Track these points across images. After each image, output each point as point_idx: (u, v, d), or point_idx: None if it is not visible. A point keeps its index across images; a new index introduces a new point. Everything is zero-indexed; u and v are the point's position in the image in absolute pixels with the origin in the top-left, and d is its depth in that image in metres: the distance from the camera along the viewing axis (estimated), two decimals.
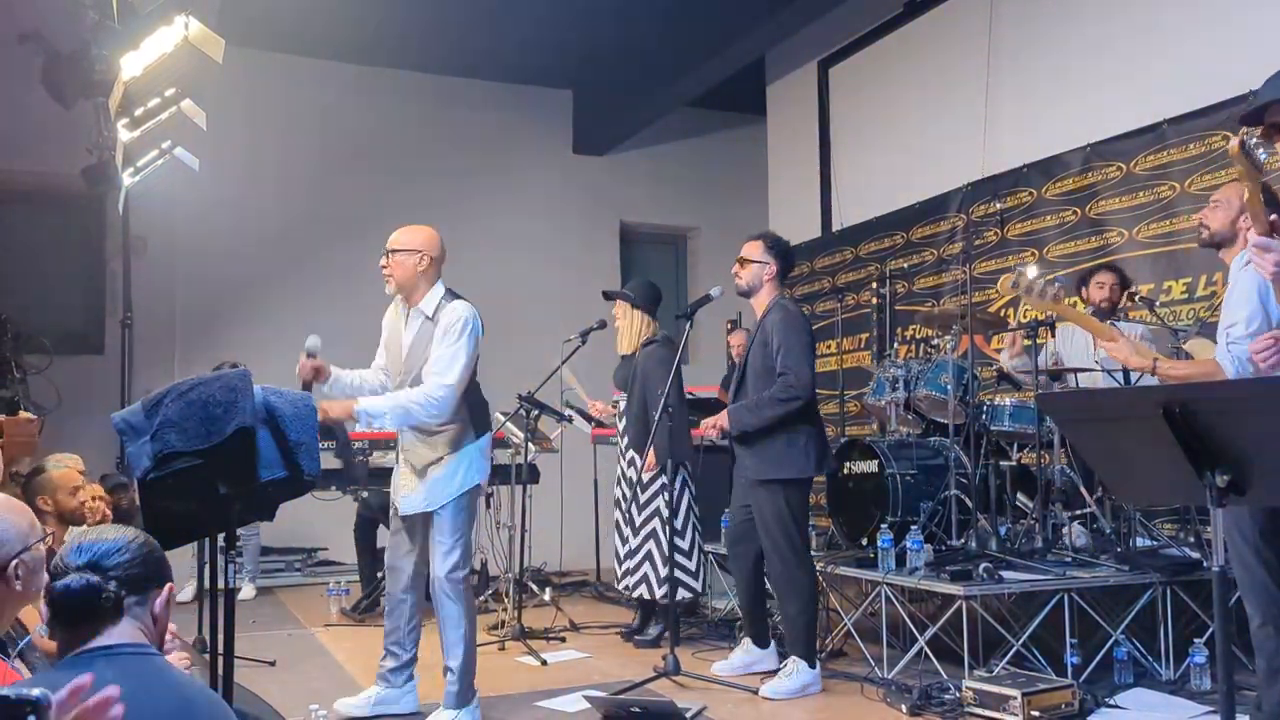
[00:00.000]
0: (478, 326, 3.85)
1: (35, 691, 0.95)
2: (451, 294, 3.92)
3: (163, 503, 2.37)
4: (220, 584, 2.51)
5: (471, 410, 3.88)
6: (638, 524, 5.27)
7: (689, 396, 5.70)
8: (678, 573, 5.14)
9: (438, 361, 3.74)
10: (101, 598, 1.72)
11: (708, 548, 5.77)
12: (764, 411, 4.26)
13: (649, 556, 5.22)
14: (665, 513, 5.17)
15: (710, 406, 5.55)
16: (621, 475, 5.44)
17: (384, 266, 3.89)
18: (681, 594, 5.23)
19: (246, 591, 6.93)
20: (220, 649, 2.46)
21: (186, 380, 2.43)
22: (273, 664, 4.82)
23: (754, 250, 4.47)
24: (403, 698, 4.04)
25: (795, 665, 4.25)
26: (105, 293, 8.12)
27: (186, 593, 6.86)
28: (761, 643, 4.62)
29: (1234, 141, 2.30)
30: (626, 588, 5.39)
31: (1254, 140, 2.31)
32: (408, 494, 3.87)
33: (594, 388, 6.17)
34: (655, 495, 5.21)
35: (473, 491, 3.89)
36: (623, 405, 5.45)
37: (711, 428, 4.44)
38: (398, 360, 3.94)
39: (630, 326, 5.38)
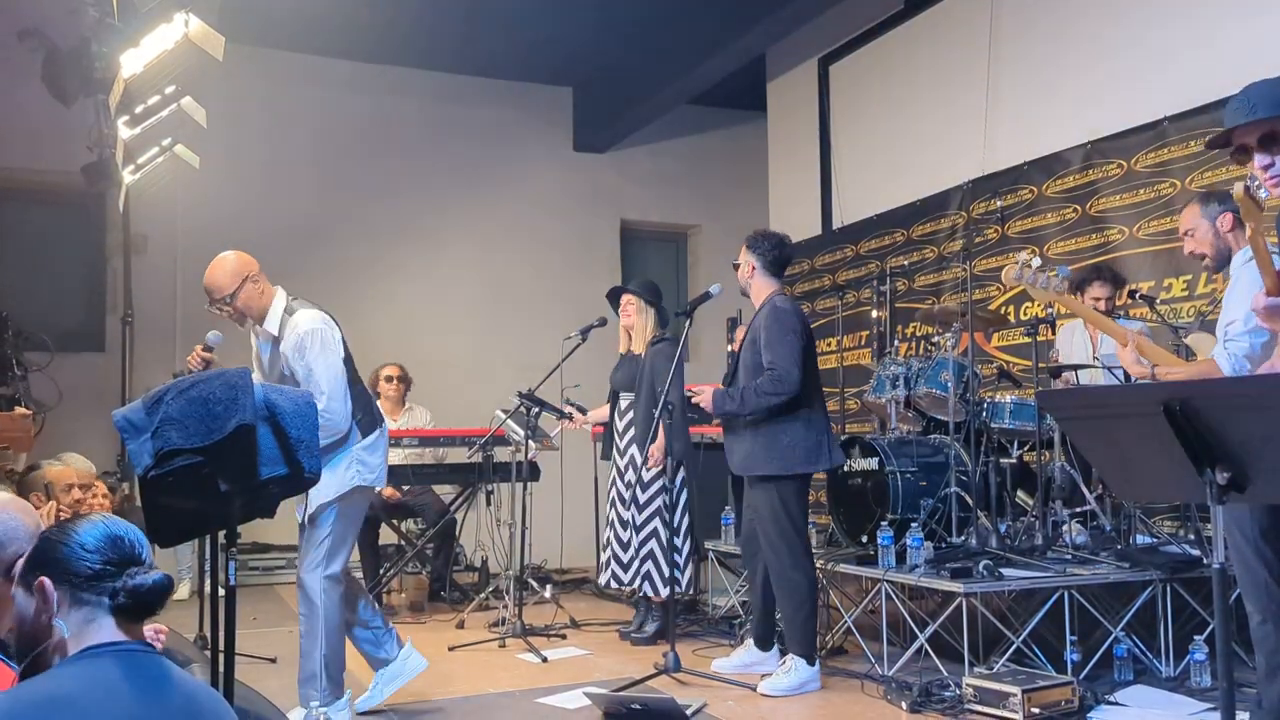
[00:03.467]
0: (328, 334, 3.71)
1: None
2: (291, 307, 3.78)
3: (164, 500, 2.37)
4: (221, 581, 2.51)
5: (353, 409, 3.76)
6: (638, 522, 5.28)
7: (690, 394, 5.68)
8: (676, 571, 5.15)
9: (308, 384, 3.62)
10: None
11: (708, 545, 5.78)
12: (747, 401, 4.28)
13: (651, 555, 5.23)
14: (665, 512, 5.19)
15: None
16: (619, 474, 5.45)
17: (230, 315, 3.74)
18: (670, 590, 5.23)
19: (182, 591, 6.83)
20: (221, 646, 2.46)
21: (187, 377, 2.43)
22: (273, 661, 4.82)
23: (740, 251, 4.58)
24: (407, 661, 3.98)
25: (794, 663, 4.25)
26: (106, 290, 8.13)
27: (182, 590, 6.88)
28: (764, 645, 4.61)
29: (1238, 186, 2.34)
30: (617, 582, 5.40)
31: (1256, 182, 2.35)
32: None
33: (592, 387, 6.17)
34: (657, 494, 5.23)
35: (354, 492, 3.74)
36: (625, 405, 5.46)
37: (695, 398, 4.44)
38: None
39: (644, 325, 5.41)
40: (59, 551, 1.71)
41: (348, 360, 3.83)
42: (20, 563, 1.82)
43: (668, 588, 5.16)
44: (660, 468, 5.17)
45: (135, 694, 1.60)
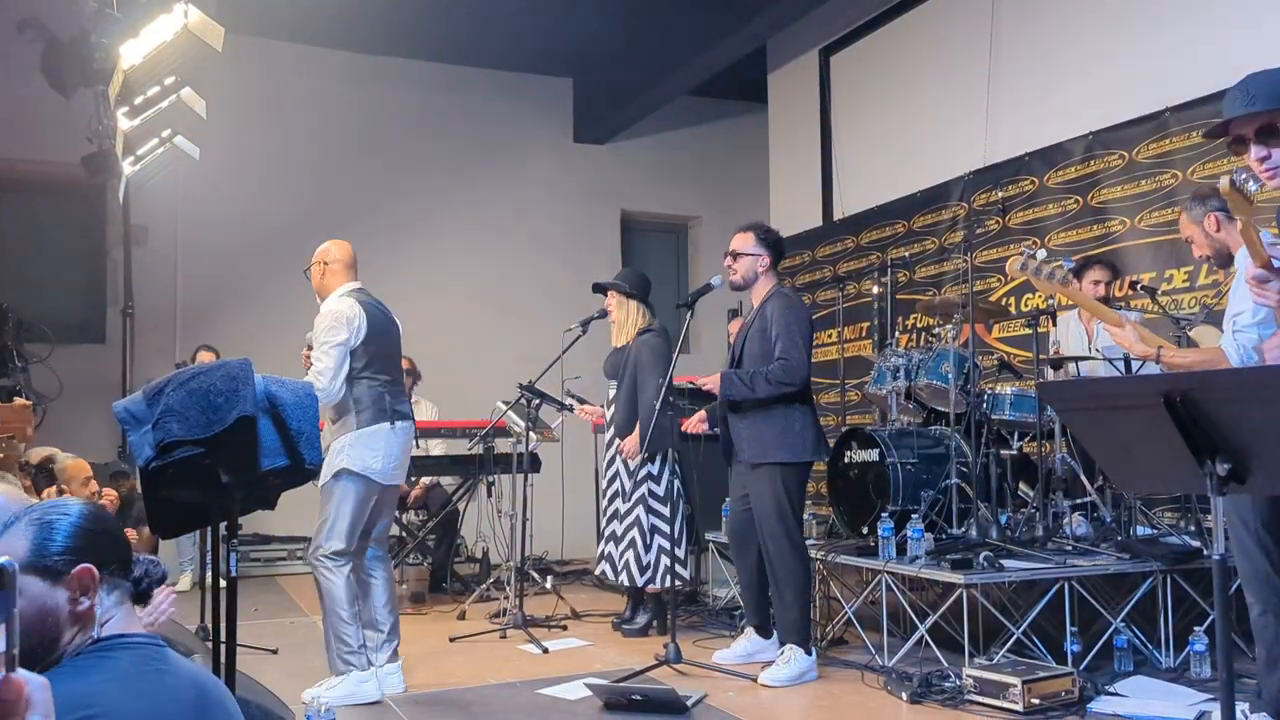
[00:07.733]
0: (340, 316, 3.99)
1: (2, 559, 0.93)
2: (343, 295, 4.11)
3: (165, 491, 2.37)
4: (222, 572, 2.51)
5: (359, 398, 4.00)
6: (622, 511, 5.30)
7: (687, 386, 5.69)
8: (668, 561, 5.16)
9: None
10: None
11: (709, 536, 5.79)
12: (757, 386, 4.28)
13: (632, 544, 5.24)
14: (651, 501, 5.20)
15: (708, 398, 5.56)
16: (608, 463, 5.47)
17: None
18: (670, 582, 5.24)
19: (183, 583, 6.85)
20: (223, 637, 2.47)
21: (188, 369, 2.43)
22: (275, 652, 4.83)
23: (746, 243, 4.49)
24: (387, 678, 4.04)
25: (792, 653, 4.26)
26: (106, 282, 8.13)
27: (184, 582, 6.90)
28: (765, 633, 4.62)
29: (1224, 180, 2.34)
30: (603, 574, 5.41)
31: (1243, 176, 2.35)
32: None
33: (593, 379, 6.18)
34: (641, 483, 5.24)
35: (348, 474, 3.93)
36: (611, 394, 5.46)
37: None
38: None
39: (626, 317, 5.39)
40: (101, 537, 1.62)
41: (370, 350, 4.02)
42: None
43: (644, 575, 5.19)
44: (639, 459, 5.17)
45: (152, 689, 1.57)
